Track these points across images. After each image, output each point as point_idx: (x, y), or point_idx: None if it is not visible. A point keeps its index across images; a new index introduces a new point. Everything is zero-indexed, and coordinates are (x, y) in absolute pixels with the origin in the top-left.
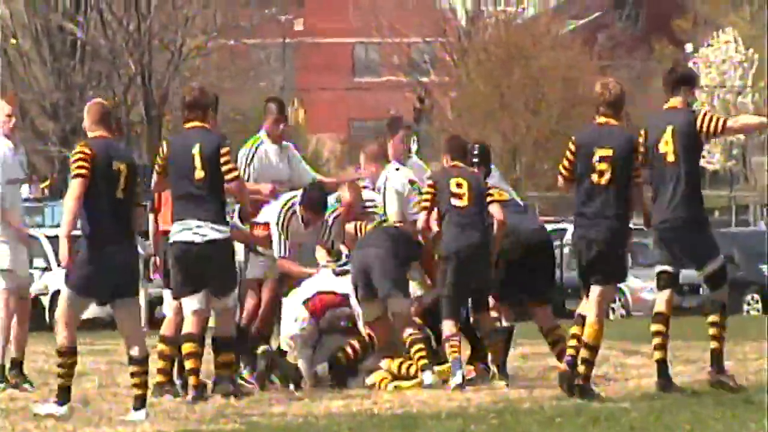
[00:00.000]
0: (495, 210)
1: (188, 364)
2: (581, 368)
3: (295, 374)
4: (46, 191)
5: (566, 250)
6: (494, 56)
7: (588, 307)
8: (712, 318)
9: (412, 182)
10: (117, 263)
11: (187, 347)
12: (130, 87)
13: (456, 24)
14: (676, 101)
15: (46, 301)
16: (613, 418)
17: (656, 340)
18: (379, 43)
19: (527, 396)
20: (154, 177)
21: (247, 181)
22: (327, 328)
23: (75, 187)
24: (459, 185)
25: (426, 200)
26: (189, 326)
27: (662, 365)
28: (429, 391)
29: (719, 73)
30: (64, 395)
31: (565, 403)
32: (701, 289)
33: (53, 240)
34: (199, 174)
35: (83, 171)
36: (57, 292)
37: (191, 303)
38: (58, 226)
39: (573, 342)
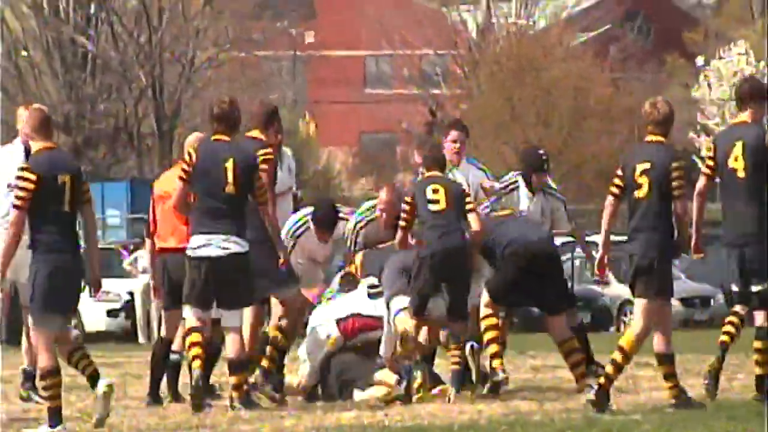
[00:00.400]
0: (472, 219)
1: (193, 352)
2: (607, 367)
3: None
4: None
5: (577, 262)
6: (505, 68)
7: (635, 318)
8: (760, 344)
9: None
10: (70, 273)
11: (192, 337)
12: (141, 99)
13: (467, 36)
14: (745, 115)
15: None
16: (624, 430)
17: (724, 337)
18: (390, 55)
19: (538, 408)
20: (179, 184)
21: None
22: (355, 348)
23: (14, 221)
24: (435, 191)
25: (404, 219)
26: (192, 324)
27: (716, 374)
28: (439, 403)
29: (730, 86)
30: (55, 418)
31: (576, 416)
32: (712, 301)
33: None
34: (231, 189)
35: (20, 203)
36: None
37: (195, 313)
38: None
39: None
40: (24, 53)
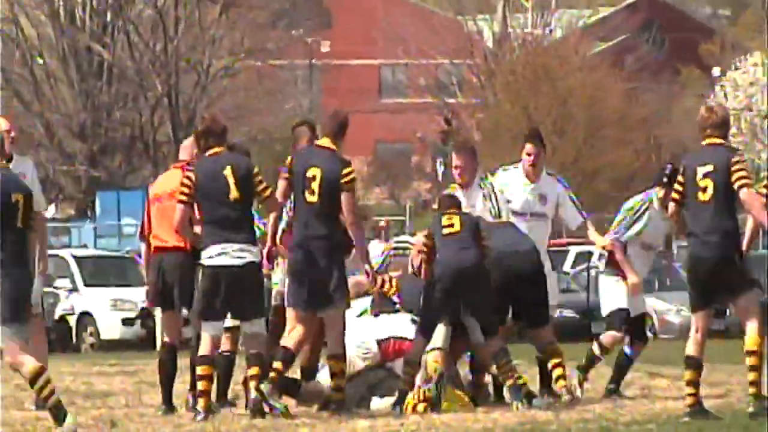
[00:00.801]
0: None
1: (200, 386)
2: (750, 375)
3: (291, 387)
4: (72, 211)
5: (593, 272)
6: (521, 78)
7: (748, 321)
8: None
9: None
10: (25, 284)
11: (202, 369)
12: (156, 108)
13: (483, 45)
14: None
15: (72, 321)
16: None
17: None
18: (405, 64)
19: (554, 418)
20: (179, 207)
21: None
22: (391, 370)
23: None
24: (449, 218)
25: (425, 252)
26: (205, 349)
27: None
28: (455, 412)
29: (746, 96)
30: (60, 414)
31: (592, 426)
32: (728, 311)
33: (80, 260)
34: (235, 194)
35: None
36: (83, 313)
37: (213, 327)
38: (84, 246)
39: (690, 389)
40: (40, 61)
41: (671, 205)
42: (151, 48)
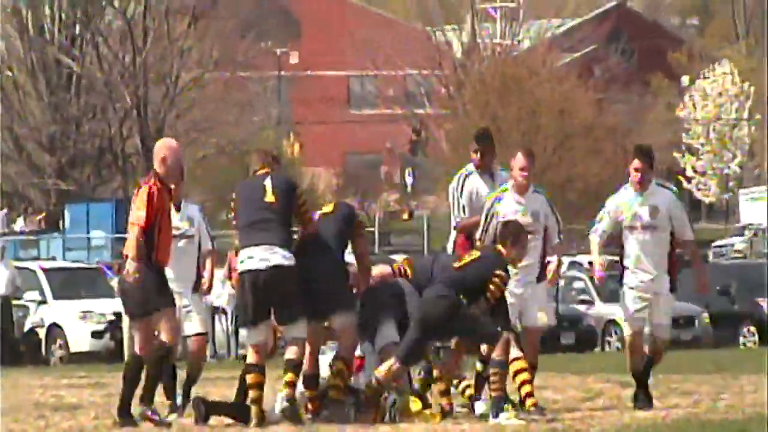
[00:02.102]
0: None
1: (253, 395)
2: None
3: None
4: (42, 224)
5: (561, 282)
6: (490, 88)
7: None
8: None
9: None
10: None
11: (250, 377)
12: (125, 119)
13: (451, 56)
14: None
15: (41, 333)
16: None
17: None
18: (375, 75)
19: (523, 429)
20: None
21: (463, 212)
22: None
23: None
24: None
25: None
26: (251, 357)
27: None
28: (424, 424)
29: (715, 106)
30: None
31: None
32: (696, 322)
33: (49, 272)
34: (270, 198)
35: None
36: (53, 325)
37: (252, 335)
38: (53, 258)
39: None
40: (8, 73)
41: None
42: (120, 60)
